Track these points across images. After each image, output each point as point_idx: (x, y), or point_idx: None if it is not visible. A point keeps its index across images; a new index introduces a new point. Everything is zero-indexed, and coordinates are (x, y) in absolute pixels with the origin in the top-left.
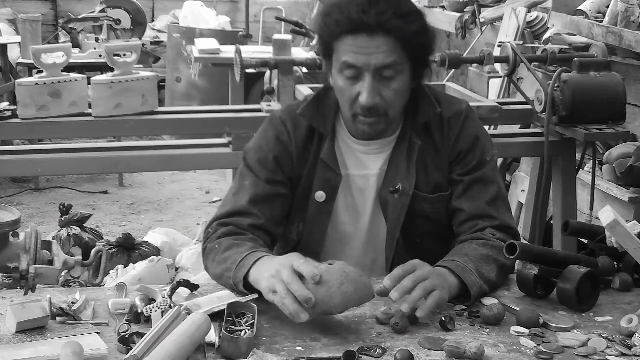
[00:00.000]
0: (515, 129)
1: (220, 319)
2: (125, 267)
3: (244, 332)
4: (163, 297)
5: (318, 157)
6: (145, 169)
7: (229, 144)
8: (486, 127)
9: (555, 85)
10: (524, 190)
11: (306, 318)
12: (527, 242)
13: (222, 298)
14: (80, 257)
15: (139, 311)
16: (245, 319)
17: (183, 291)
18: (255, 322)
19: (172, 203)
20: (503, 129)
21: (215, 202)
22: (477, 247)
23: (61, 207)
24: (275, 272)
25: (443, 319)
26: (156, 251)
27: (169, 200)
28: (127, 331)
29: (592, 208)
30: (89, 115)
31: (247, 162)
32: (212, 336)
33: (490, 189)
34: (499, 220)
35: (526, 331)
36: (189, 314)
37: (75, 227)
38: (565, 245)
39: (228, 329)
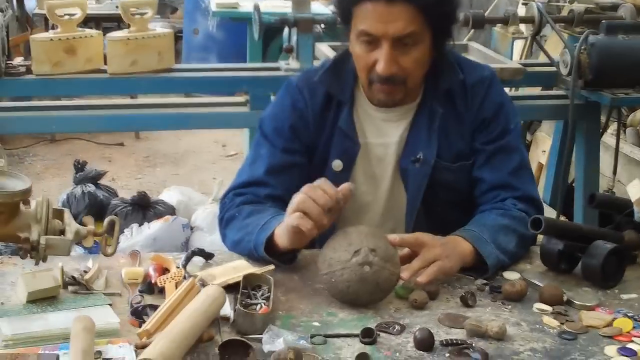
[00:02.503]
0: (537, 90)
1: (236, 291)
2: (140, 226)
3: (259, 305)
4: (177, 267)
5: (336, 125)
6: (160, 128)
7: (247, 102)
8: (507, 89)
9: (582, 47)
10: (544, 151)
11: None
12: (550, 218)
13: (238, 268)
14: (93, 227)
15: (153, 281)
16: (261, 292)
17: (198, 260)
18: (272, 296)
19: (188, 156)
20: (525, 91)
21: (231, 155)
22: (496, 217)
23: (76, 163)
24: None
25: (464, 294)
26: (171, 210)
27: (185, 153)
28: (140, 302)
29: (615, 172)
30: (105, 72)
31: (263, 131)
32: (227, 309)
33: (514, 157)
34: (521, 190)
35: (549, 308)
36: (204, 286)
37: (90, 185)
38: (587, 213)
39: (243, 302)
